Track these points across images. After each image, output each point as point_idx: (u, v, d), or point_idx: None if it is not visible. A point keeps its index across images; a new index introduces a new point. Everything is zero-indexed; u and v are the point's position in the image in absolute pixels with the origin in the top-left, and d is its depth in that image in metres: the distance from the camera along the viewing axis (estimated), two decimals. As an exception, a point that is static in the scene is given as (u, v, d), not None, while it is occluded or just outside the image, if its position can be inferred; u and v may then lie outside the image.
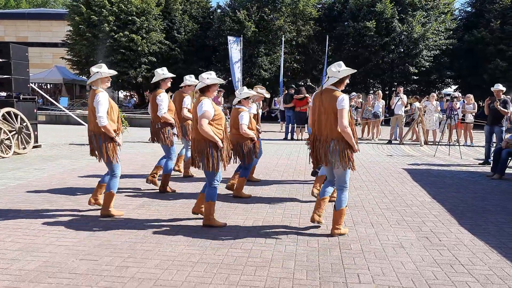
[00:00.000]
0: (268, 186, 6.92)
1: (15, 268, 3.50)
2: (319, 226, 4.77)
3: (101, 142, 4.74)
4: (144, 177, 7.23)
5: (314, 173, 6.94)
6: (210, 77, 4.53)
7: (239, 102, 5.86)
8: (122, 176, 7.30)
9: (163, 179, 6.21)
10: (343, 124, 4.16)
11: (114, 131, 4.76)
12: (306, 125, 14.96)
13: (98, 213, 5.06)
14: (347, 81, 4.38)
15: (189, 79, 6.88)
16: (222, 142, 4.50)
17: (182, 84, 6.84)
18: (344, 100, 4.19)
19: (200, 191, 4.88)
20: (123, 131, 5.11)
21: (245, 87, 6.05)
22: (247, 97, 5.85)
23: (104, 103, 4.65)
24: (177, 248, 4.03)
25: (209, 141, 4.43)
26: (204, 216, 4.68)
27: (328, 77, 4.34)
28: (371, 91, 25.31)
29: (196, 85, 6.57)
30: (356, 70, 4.55)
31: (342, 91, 4.35)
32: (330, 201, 5.23)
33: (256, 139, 5.88)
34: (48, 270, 3.47)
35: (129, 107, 30.39)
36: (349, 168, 4.32)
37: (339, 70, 4.28)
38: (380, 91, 17.11)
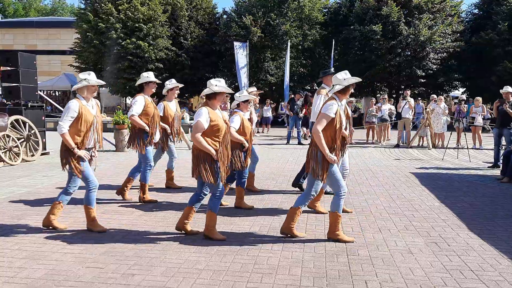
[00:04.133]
0: (274, 192, 6.89)
1: (22, 276, 3.51)
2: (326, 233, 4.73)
3: (65, 153, 4.52)
4: (149, 184, 7.24)
5: (295, 183, 6.75)
6: (219, 84, 4.32)
7: (238, 105, 5.58)
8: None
9: (141, 188, 6.05)
10: (315, 127, 4.19)
11: (77, 144, 4.46)
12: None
13: (104, 220, 5.06)
14: (352, 90, 4.44)
15: (169, 83, 6.62)
16: (218, 153, 4.29)
17: (164, 91, 6.61)
18: (329, 106, 4.22)
19: (187, 205, 4.61)
20: (97, 147, 4.81)
21: (245, 91, 5.83)
22: (247, 101, 5.54)
23: (71, 112, 4.41)
24: (183, 255, 4.01)
25: (205, 153, 4.24)
26: (205, 227, 4.49)
27: (333, 85, 4.39)
28: (378, 95, 25.25)
29: (176, 88, 6.54)
30: (361, 80, 4.58)
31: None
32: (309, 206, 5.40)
33: (246, 145, 5.44)
34: (55, 278, 3.48)
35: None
36: (316, 178, 4.29)
37: (344, 78, 4.32)
38: (386, 95, 17.08)
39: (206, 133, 4.23)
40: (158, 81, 6.08)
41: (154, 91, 6.06)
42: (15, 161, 9.25)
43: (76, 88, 4.56)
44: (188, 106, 28.71)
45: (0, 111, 9.75)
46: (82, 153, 4.49)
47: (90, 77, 4.54)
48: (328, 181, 4.37)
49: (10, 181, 7.43)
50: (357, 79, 4.37)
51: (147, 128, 5.81)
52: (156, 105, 6.51)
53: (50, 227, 4.68)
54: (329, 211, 4.52)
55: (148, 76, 5.95)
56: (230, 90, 4.46)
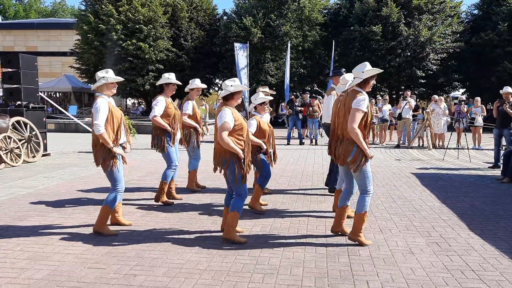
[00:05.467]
0: (276, 192, 6.90)
1: (24, 277, 3.52)
2: (329, 234, 4.75)
3: (101, 151, 4.49)
4: (151, 184, 7.25)
5: (331, 189, 6.81)
6: (234, 84, 4.33)
7: (255, 108, 5.63)
8: (129, 184, 7.33)
9: (159, 188, 5.99)
10: (351, 125, 4.12)
11: (113, 141, 4.49)
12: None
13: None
14: (373, 81, 4.32)
15: (192, 82, 6.63)
16: (244, 153, 4.32)
17: (186, 89, 6.62)
18: (361, 101, 4.14)
19: (224, 206, 4.68)
20: (130, 142, 4.89)
21: (261, 93, 5.84)
22: (263, 103, 5.58)
23: (103, 110, 4.40)
24: (185, 255, 4.02)
25: (232, 153, 4.25)
26: (226, 228, 4.41)
27: (354, 77, 4.33)
28: (378, 95, 25.26)
29: (198, 88, 6.55)
30: (382, 70, 4.40)
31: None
32: (348, 217, 5.02)
33: (265, 147, 5.52)
34: (57, 279, 3.49)
35: (137, 114, 30.60)
36: (358, 170, 4.24)
37: (363, 70, 4.21)
38: (387, 96, 17.13)
39: (231, 133, 4.24)
40: (179, 83, 6.09)
41: (174, 92, 6.05)
42: (16, 162, 9.26)
43: (96, 87, 4.52)
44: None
45: (1, 113, 9.78)
46: (119, 151, 4.50)
47: (108, 75, 4.52)
48: (358, 177, 4.33)
49: (12, 182, 7.44)
50: (377, 70, 4.24)
51: (169, 128, 5.80)
52: (182, 104, 6.55)
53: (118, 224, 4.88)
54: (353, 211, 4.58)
55: (169, 77, 5.92)
56: (246, 88, 4.50)
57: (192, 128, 6.46)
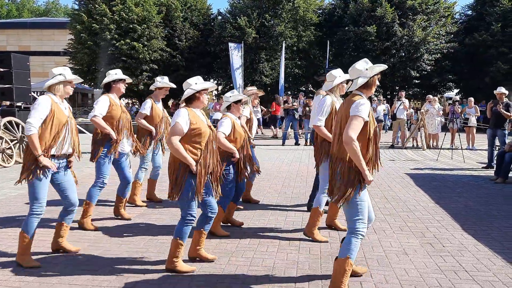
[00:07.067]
0: (270, 193, 6.89)
1: (15, 279, 3.48)
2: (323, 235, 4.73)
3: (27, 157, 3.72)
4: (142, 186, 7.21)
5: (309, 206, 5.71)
6: (198, 81, 3.69)
7: (228, 108, 4.70)
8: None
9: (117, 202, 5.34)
10: (348, 134, 3.07)
11: (45, 150, 3.68)
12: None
13: (98, 223, 5.03)
14: (377, 82, 3.36)
15: (160, 80, 5.79)
16: (199, 164, 3.55)
17: (152, 87, 5.81)
18: (361, 106, 3.14)
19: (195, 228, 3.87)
20: (79, 155, 4.11)
21: (235, 90, 5.06)
22: (239, 101, 4.66)
23: (42, 109, 3.66)
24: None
25: (181, 162, 3.52)
26: (168, 257, 3.70)
27: (353, 80, 3.38)
28: (373, 96, 25.36)
29: (167, 88, 5.75)
30: (386, 67, 3.46)
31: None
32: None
33: (237, 156, 4.50)
34: (48, 281, 3.45)
35: (131, 114, 30.51)
36: (344, 203, 3.21)
37: (366, 68, 3.29)
38: (381, 96, 17.19)
39: (185, 138, 3.53)
40: (129, 79, 5.20)
41: (124, 91, 5.10)
42: (8, 163, 9.18)
43: (50, 85, 3.80)
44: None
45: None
46: (47, 162, 3.67)
47: (66, 72, 3.88)
48: (347, 210, 3.29)
49: (3, 183, 7.37)
50: (383, 66, 3.34)
51: (112, 133, 4.78)
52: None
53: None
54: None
55: (117, 73, 5.04)
56: (213, 85, 3.88)
57: (148, 131, 5.68)
